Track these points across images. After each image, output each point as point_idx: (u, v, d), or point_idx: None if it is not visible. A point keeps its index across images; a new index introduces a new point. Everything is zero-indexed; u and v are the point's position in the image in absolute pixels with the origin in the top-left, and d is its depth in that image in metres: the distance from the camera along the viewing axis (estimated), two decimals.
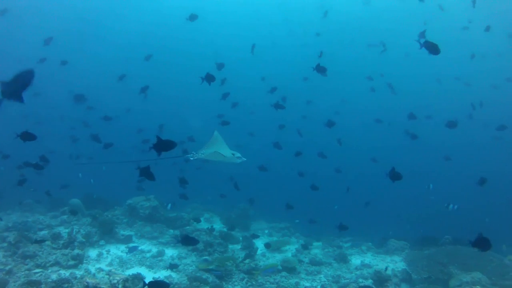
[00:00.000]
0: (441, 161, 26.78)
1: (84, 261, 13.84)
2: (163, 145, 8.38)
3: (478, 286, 13.21)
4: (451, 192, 26.46)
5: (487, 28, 24.51)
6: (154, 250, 15.92)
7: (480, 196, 25.37)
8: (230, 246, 17.02)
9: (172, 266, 14.39)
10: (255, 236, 17.41)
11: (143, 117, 34.74)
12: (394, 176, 11.55)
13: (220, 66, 19.98)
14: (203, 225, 20.00)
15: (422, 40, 11.71)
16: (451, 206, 17.18)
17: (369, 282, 14.39)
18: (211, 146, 13.22)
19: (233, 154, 12.60)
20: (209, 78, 13.28)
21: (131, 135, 27.58)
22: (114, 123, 22.91)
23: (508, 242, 19.91)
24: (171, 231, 17.96)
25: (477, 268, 15.88)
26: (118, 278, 10.61)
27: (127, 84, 26.24)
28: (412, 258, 18.08)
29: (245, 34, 48.99)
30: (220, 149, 12.71)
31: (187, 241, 11.89)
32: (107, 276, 11.27)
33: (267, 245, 17.73)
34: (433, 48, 11.45)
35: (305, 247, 18.47)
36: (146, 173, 9.64)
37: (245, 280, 14.05)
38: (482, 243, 9.82)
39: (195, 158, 12.84)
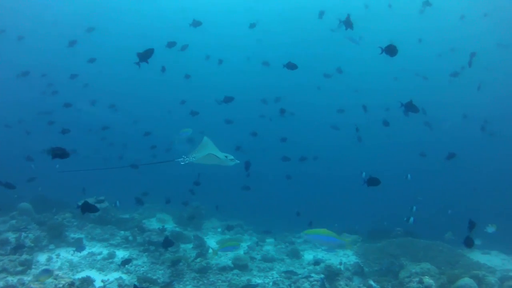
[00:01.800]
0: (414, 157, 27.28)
1: (33, 267, 13.55)
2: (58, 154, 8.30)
3: (426, 276, 13.45)
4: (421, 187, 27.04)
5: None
6: (105, 252, 15.73)
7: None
8: (182, 246, 17.01)
9: (124, 263, 14.32)
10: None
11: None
12: (372, 182, 11.93)
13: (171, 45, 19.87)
14: (155, 225, 19.95)
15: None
16: (409, 176, 17.49)
17: (321, 276, 14.58)
18: (202, 150, 13.10)
19: (226, 157, 12.52)
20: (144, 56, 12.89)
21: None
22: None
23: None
24: (122, 232, 17.82)
25: (427, 259, 16.25)
26: (63, 282, 10.50)
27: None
28: (364, 251, 18.42)
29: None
30: (208, 152, 12.63)
31: (86, 208, 10.63)
32: (54, 280, 11.15)
33: (219, 243, 17.83)
34: (391, 50, 11.87)
35: (257, 245, 18.61)
36: (88, 208, 9.70)
37: (197, 279, 14.10)
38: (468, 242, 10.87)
39: (186, 162, 12.68)
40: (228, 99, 17.22)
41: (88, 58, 23.37)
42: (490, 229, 16.03)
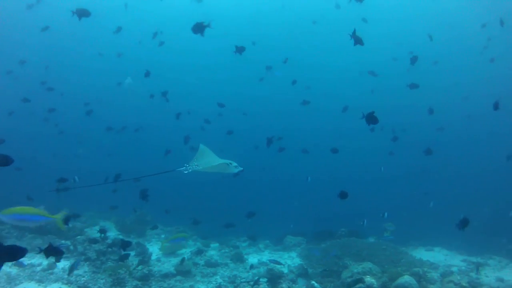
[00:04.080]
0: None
1: None
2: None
3: (368, 276, 13.59)
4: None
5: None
6: (45, 263, 15.30)
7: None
8: (124, 253, 16.81)
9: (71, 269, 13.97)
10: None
11: None
12: (343, 195, 12.78)
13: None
14: (98, 233, 19.63)
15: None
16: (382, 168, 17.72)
17: (265, 280, 14.56)
18: (203, 158, 12.77)
19: (230, 163, 12.26)
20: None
21: None
22: None
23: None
24: (63, 241, 17.46)
25: (370, 258, 16.43)
26: None
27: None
28: (307, 253, 18.49)
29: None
30: (214, 160, 12.37)
31: (51, 252, 10.45)
32: None
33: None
34: (358, 40, 12.33)
35: (200, 251, 18.47)
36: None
37: (138, 287, 13.91)
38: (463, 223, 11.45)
39: (190, 171, 12.31)
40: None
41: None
42: (390, 227, 16.43)
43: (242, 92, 47.09)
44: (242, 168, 12.16)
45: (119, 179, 16.25)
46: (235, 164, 12.03)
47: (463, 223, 11.51)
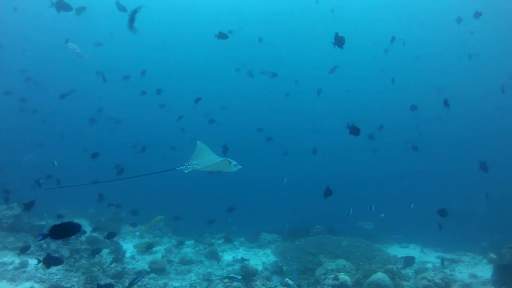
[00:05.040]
0: None
1: None
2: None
3: (342, 273, 13.59)
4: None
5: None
6: (17, 261, 15.13)
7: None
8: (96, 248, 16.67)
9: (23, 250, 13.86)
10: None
11: None
12: (327, 193, 12.87)
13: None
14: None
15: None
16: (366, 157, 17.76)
17: (239, 277, 14.53)
18: (202, 156, 12.62)
19: (230, 162, 12.14)
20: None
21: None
22: None
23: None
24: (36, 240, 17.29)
25: (345, 255, 16.51)
26: None
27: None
28: (282, 250, 18.47)
29: None
30: (214, 158, 12.24)
31: (50, 261, 10.66)
32: None
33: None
34: (340, 41, 12.35)
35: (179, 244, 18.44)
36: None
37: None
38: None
39: (190, 170, 12.14)
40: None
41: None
42: (368, 225, 16.52)
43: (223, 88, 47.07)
44: (241, 166, 12.09)
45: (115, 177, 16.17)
46: (234, 162, 11.96)
47: (442, 213, 11.81)
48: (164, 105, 25.18)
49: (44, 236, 6.77)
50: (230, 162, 11.74)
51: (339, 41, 12.44)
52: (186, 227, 21.16)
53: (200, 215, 20.97)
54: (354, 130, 12.33)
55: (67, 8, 15.82)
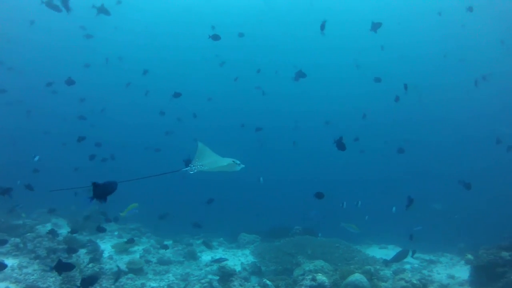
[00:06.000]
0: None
1: None
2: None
3: (320, 274, 13.58)
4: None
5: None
6: None
7: None
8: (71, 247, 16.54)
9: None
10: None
11: None
12: (319, 195, 13.20)
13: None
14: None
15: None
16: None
17: (217, 278, 14.49)
18: (205, 157, 12.49)
19: (233, 162, 12.04)
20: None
21: None
22: None
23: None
24: (13, 239, 17.09)
25: (323, 256, 16.50)
26: None
27: None
28: (261, 251, 18.47)
29: None
30: (219, 159, 12.15)
31: (61, 267, 10.65)
32: None
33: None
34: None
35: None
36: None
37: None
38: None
39: (195, 171, 11.98)
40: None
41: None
42: (354, 229, 16.57)
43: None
44: (244, 165, 12.02)
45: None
46: (238, 162, 11.89)
47: (409, 202, 12.11)
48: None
49: (91, 199, 6.77)
50: (235, 163, 11.74)
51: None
52: (166, 227, 21.06)
53: (180, 215, 20.87)
54: (340, 145, 12.61)
55: (56, 9, 15.89)
